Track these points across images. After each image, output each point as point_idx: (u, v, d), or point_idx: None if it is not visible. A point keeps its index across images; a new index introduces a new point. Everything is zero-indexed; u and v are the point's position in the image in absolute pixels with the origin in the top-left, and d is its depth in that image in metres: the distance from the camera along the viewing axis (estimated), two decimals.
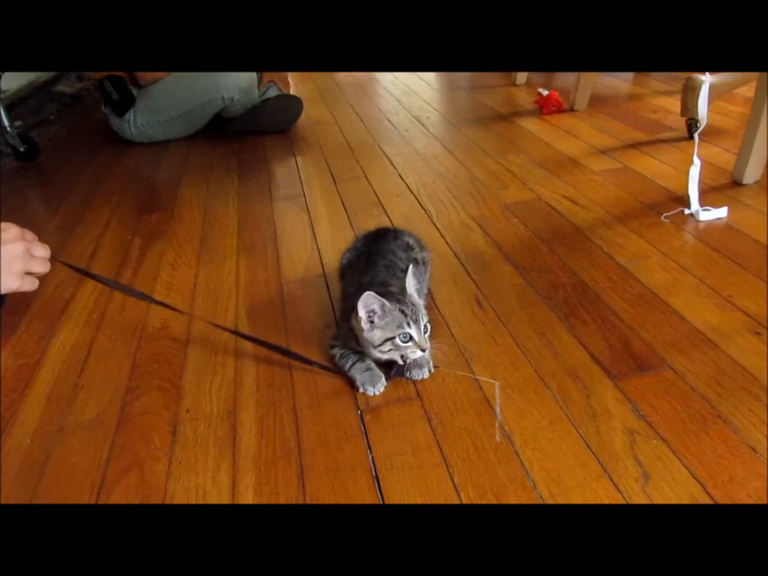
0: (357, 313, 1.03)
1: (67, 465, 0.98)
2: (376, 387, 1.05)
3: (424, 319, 1.05)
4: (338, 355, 1.11)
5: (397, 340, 1.02)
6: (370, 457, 0.94)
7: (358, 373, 1.07)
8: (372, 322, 1.03)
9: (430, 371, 1.08)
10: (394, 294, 1.06)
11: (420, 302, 1.09)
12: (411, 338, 1.03)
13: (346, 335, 1.11)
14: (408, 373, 1.08)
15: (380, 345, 1.04)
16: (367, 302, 1.02)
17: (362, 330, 1.04)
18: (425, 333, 1.04)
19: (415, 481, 0.89)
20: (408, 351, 1.04)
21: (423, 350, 1.04)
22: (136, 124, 2.48)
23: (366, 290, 1.01)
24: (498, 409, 1.01)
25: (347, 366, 1.09)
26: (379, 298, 1.01)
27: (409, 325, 1.02)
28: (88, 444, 1.02)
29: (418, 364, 1.08)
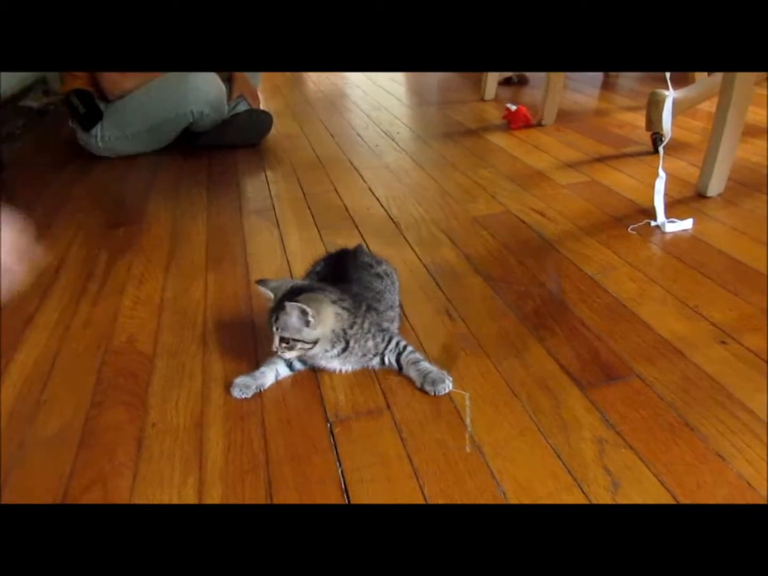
0: None
1: (28, 481, 0.95)
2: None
3: (278, 331, 1.06)
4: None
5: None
6: (339, 470, 0.93)
7: None
8: None
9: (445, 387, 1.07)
10: (285, 296, 1.08)
11: (288, 318, 1.06)
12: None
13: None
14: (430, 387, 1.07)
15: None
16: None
17: None
18: (277, 342, 1.07)
19: (385, 493, 0.88)
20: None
21: (273, 348, 1.08)
22: (103, 138, 2.45)
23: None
24: (468, 420, 1.00)
25: None
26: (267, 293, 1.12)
27: (270, 327, 1.08)
28: (50, 460, 0.99)
29: (433, 380, 1.07)
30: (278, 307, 1.07)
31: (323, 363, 1.12)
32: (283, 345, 1.07)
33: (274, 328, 1.06)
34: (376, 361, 1.13)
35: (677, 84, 1.74)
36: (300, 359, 1.13)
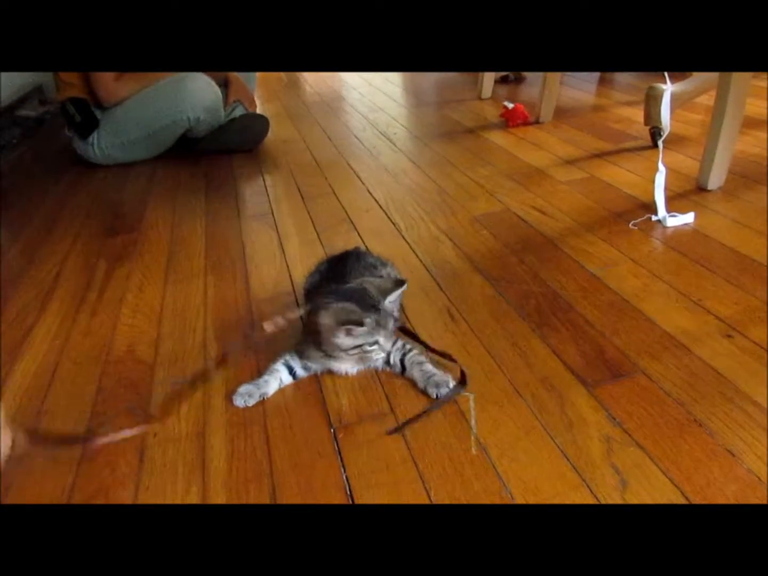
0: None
1: (30, 494, 0.95)
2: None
3: (390, 323, 1.07)
4: None
5: (366, 347, 1.05)
6: (344, 476, 0.92)
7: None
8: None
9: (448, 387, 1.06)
10: (368, 302, 1.06)
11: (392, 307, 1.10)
12: (377, 343, 1.06)
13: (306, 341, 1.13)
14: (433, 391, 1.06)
15: (348, 350, 1.06)
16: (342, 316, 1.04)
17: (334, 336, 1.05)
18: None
19: (391, 498, 0.87)
20: (373, 354, 1.07)
21: (385, 352, 1.08)
22: (100, 146, 2.44)
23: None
24: (473, 422, 0.99)
25: None
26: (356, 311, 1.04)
27: (378, 332, 1.05)
28: (52, 472, 0.98)
29: (436, 383, 1.06)
30: (376, 308, 1.05)
31: (335, 365, 1.11)
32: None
33: (389, 325, 1.06)
34: (380, 360, 1.12)
35: (675, 78, 1.73)
36: (305, 366, 1.12)
